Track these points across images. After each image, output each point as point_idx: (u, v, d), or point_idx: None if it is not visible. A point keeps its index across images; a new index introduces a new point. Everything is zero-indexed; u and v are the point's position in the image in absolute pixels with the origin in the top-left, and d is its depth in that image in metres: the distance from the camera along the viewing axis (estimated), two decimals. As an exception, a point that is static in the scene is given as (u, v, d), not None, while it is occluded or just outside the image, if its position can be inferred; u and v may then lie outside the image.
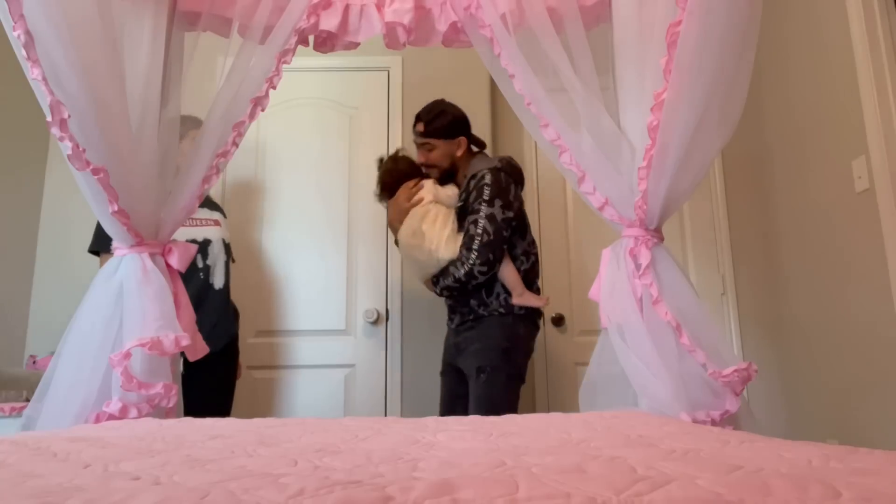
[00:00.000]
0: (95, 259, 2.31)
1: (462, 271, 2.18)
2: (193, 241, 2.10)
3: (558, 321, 3.09)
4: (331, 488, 0.58)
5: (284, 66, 1.87)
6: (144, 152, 1.68)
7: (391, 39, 1.95)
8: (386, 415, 2.84)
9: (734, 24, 1.47)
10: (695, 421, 1.48)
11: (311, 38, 1.97)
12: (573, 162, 1.76)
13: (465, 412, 2.16)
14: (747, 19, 1.50)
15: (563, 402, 2.99)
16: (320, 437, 1.05)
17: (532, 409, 2.98)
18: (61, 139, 1.46)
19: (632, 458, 0.76)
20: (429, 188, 2.34)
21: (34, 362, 2.62)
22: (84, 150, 1.50)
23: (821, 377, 2.56)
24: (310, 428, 1.18)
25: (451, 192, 2.34)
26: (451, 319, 2.40)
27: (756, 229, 3.05)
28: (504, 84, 1.86)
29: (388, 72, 3.21)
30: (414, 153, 2.49)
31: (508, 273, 2.22)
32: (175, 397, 1.63)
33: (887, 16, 2.26)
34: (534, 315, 2.30)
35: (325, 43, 1.98)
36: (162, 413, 1.62)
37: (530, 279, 2.30)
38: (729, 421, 1.55)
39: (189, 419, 1.47)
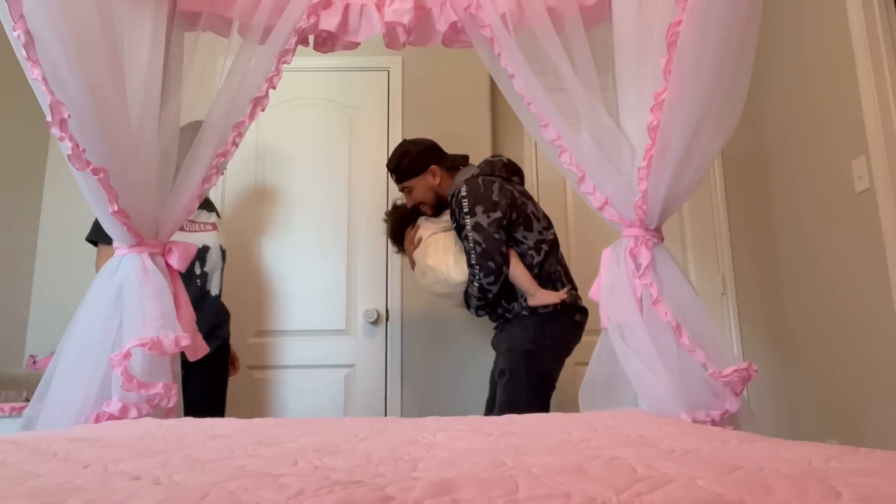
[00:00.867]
0: (95, 259, 2.31)
1: (475, 288, 2.21)
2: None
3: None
4: (331, 488, 0.58)
5: (284, 66, 1.87)
6: (144, 152, 1.68)
7: (391, 39, 1.95)
8: (386, 415, 2.83)
9: (734, 24, 1.47)
10: (695, 421, 1.48)
11: (311, 38, 1.97)
12: (573, 162, 1.76)
13: None
14: (747, 19, 1.50)
15: (563, 402, 2.99)
16: (320, 437, 1.05)
17: (532, 409, 2.98)
18: (61, 139, 1.46)
19: (632, 458, 0.76)
20: (424, 225, 2.42)
21: (34, 362, 2.62)
22: (84, 150, 1.50)
23: (821, 377, 2.56)
24: (310, 428, 1.18)
25: (445, 218, 2.39)
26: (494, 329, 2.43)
27: (756, 229, 3.05)
28: (504, 84, 1.86)
29: (388, 72, 3.21)
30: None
31: (517, 275, 2.21)
32: (175, 397, 1.63)
33: (887, 16, 2.26)
34: (568, 311, 2.24)
35: (325, 43, 1.98)
36: (162, 413, 1.62)
37: (550, 270, 2.26)
38: (729, 421, 1.56)
39: (189, 419, 1.47)
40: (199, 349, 1.79)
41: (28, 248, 2.96)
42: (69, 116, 1.44)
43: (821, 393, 2.56)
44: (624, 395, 1.66)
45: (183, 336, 1.63)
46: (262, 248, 3.02)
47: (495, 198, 2.21)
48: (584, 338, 3.03)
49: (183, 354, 1.90)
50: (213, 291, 2.35)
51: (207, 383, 2.28)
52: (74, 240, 2.96)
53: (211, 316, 2.28)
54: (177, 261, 1.76)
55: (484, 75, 3.08)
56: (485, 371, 2.91)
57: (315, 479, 0.62)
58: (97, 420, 1.53)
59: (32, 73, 1.40)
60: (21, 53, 1.39)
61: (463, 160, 2.47)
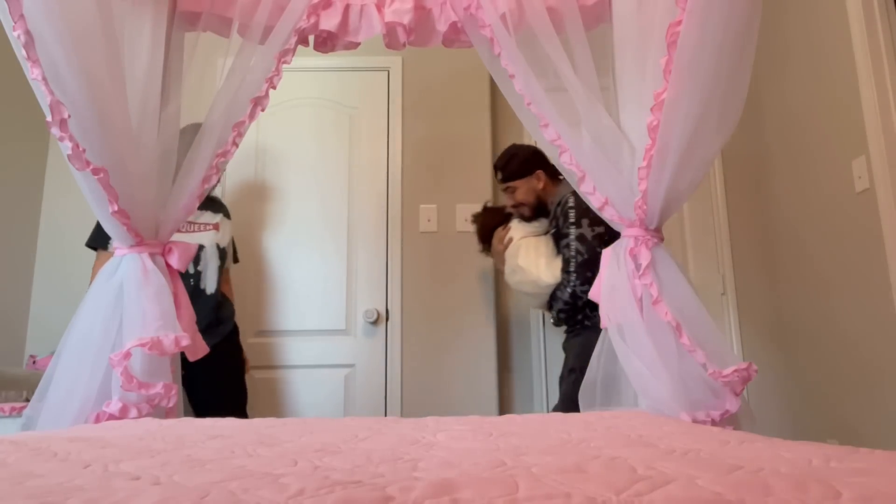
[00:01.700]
0: (95, 259, 2.31)
1: (567, 293, 2.24)
2: None
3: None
4: (331, 488, 0.58)
5: (284, 66, 1.87)
6: (144, 152, 1.68)
7: (391, 39, 1.95)
8: (386, 415, 2.83)
9: (734, 24, 1.47)
10: (695, 421, 1.48)
11: (311, 38, 1.97)
12: (573, 162, 1.76)
13: None
14: (747, 19, 1.50)
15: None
16: (320, 437, 1.05)
17: (532, 409, 2.98)
18: (61, 139, 1.46)
19: (632, 458, 0.76)
20: (516, 227, 2.52)
21: (34, 362, 2.62)
22: (84, 150, 1.50)
23: (821, 377, 2.56)
24: (310, 428, 1.18)
25: (537, 223, 2.49)
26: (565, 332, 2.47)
27: (756, 229, 3.05)
28: (504, 84, 1.86)
29: (388, 72, 3.21)
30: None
31: None
32: (175, 397, 1.63)
33: (887, 16, 2.26)
34: None
35: (325, 43, 1.98)
36: (162, 413, 1.61)
37: None
38: (729, 421, 1.55)
39: (189, 419, 1.47)
40: (199, 349, 1.79)
41: (28, 248, 2.96)
42: (69, 116, 1.44)
43: (821, 393, 2.56)
44: (624, 395, 1.66)
45: (183, 336, 1.62)
46: (262, 249, 3.02)
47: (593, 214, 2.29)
48: (584, 338, 3.04)
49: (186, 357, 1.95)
50: (209, 290, 2.35)
51: (214, 379, 2.30)
52: (74, 240, 2.96)
53: (206, 315, 2.26)
54: (177, 261, 1.76)
55: (484, 75, 3.08)
56: (485, 371, 2.92)
57: (315, 479, 0.62)
58: (97, 420, 1.53)
59: (32, 73, 1.40)
60: (21, 53, 1.39)
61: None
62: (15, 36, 1.36)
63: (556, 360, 3.06)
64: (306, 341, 2.94)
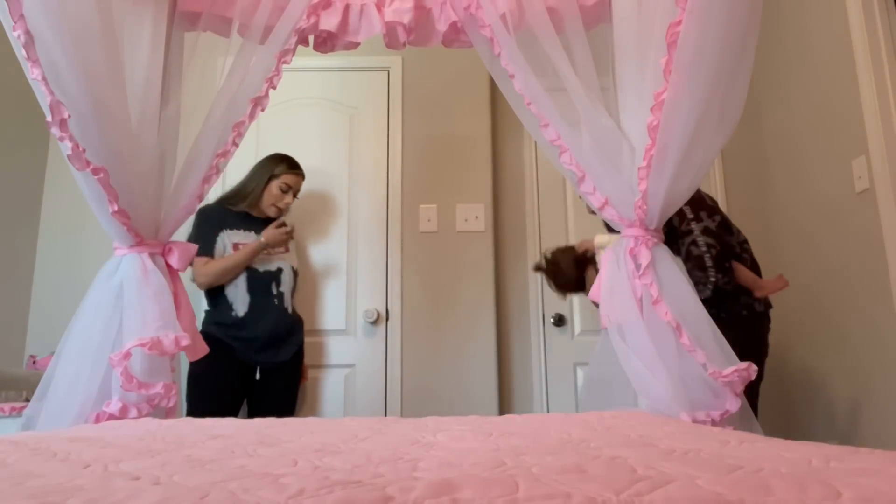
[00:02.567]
0: (95, 259, 2.31)
1: (708, 292, 2.10)
2: (267, 271, 2.48)
3: (558, 321, 3.09)
4: (331, 488, 0.58)
5: (284, 66, 1.87)
6: (144, 152, 1.68)
7: (391, 39, 1.95)
8: (386, 415, 2.83)
9: (734, 24, 1.47)
10: (695, 421, 1.48)
11: (311, 38, 1.97)
12: (573, 162, 1.76)
13: None
14: (747, 19, 1.50)
15: (563, 402, 2.99)
16: (320, 437, 1.05)
17: (532, 409, 2.98)
18: (61, 139, 1.46)
19: (632, 458, 0.76)
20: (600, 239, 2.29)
21: (34, 362, 2.62)
22: (84, 150, 1.50)
23: (821, 377, 2.56)
24: (310, 428, 1.18)
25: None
26: None
27: (756, 229, 3.04)
28: (504, 84, 1.86)
29: (388, 72, 3.21)
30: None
31: (741, 273, 2.20)
32: (175, 397, 1.63)
33: (887, 16, 2.26)
34: (768, 311, 2.28)
35: (325, 43, 1.98)
36: (162, 413, 1.61)
37: (756, 272, 2.28)
38: (729, 421, 1.55)
39: (189, 419, 1.47)
40: (199, 349, 1.79)
41: (28, 248, 2.96)
42: (69, 116, 1.44)
43: (821, 393, 2.56)
44: (624, 395, 1.66)
45: (183, 336, 1.62)
46: (262, 248, 3.02)
47: (710, 202, 2.28)
48: (585, 338, 3.04)
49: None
50: (289, 309, 2.59)
51: (284, 384, 2.57)
52: (74, 240, 2.96)
53: (288, 329, 2.56)
54: (177, 260, 1.76)
55: (484, 75, 3.08)
56: (485, 371, 2.92)
57: (315, 479, 0.62)
58: (97, 420, 1.53)
59: (32, 73, 1.40)
60: (21, 53, 1.39)
61: None
62: (15, 36, 1.36)
63: (557, 360, 3.07)
64: (307, 341, 2.93)
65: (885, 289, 2.18)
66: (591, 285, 2.28)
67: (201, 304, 2.81)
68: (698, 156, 1.60)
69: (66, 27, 1.40)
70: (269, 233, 2.43)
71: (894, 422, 2.17)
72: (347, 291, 2.99)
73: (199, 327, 2.50)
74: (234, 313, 2.43)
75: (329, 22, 1.91)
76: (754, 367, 1.57)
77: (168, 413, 1.63)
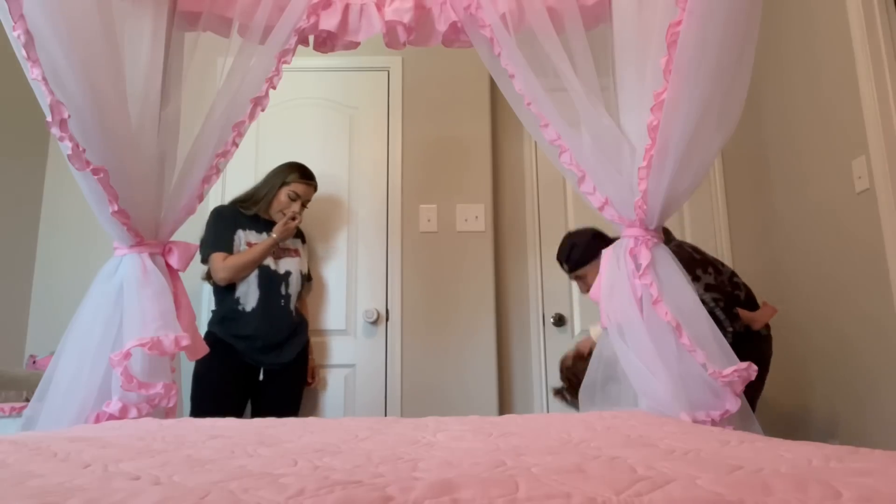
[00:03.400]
0: (95, 259, 2.31)
1: (729, 339, 2.04)
2: (276, 273, 2.54)
3: (558, 321, 3.09)
4: (331, 488, 0.58)
5: (284, 66, 1.87)
6: (144, 152, 1.68)
7: (391, 39, 1.95)
8: (386, 415, 2.83)
9: (734, 24, 1.47)
10: (695, 421, 1.48)
11: (311, 38, 1.97)
12: (573, 162, 1.76)
13: None
14: (747, 19, 1.50)
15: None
16: (320, 437, 1.05)
17: (532, 409, 2.98)
18: (61, 139, 1.46)
19: (632, 458, 0.76)
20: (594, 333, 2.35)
21: (34, 362, 2.62)
22: (84, 150, 1.50)
23: (821, 377, 2.56)
24: (310, 428, 1.18)
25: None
26: None
27: (756, 229, 3.05)
28: (504, 84, 1.86)
29: (388, 72, 3.21)
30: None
31: (741, 314, 2.23)
32: (175, 397, 1.63)
33: (887, 16, 2.26)
34: (770, 333, 2.31)
35: (325, 43, 1.98)
36: (162, 413, 1.62)
37: (752, 303, 2.31)
38: (729, 421, 1.55)
39: (189, 419, 1.47)
40: (199, 349, 1.79)
41: (28, 248, 2.97)
42: (69, 116, 1.44)
43: (821, 393, 2.56)
44: (624, 395, 1.66)
45: (183, 336, 1.62)
46: (262, 248, 3.02)
47: (699, 257, 2.27)
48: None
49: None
50: (294, 312, 2.62)
51: (289, 383, 2.61)
52: (74, 240, 2.96)
53: (293, 331, 2.60)
54: (177, 260, 1.76)
55: (484, 75, 3.08)
56: (485, 371, 2.91)
57: (315, 479, 0.62)
58: (97, 420, 1.53)
59: (32, 73, 1.40)
60: (21, 53, 1.39)
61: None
62: (15, 36, 1.36)
63: (556, 360, 3.06)
64: (306, 341, 2.94)
65: (885, 289, 2.18)
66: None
67: (201, 304, 2.81)
68: (698, 156, 1.60)
69: (66, 27, 1.40)
70: (279, 227, 2.49)
71: (895, 422, 2.17)
72: (347, 291, 2.99)
73: (205, 327, 2.53)
74: (241, 307, 2.47)
75: (329, 22, 1.91)
76: (754, 367, 1.57)
77: (168, 413, 1.63)
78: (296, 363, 2.61)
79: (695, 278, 2.17)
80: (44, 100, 1.42)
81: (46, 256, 2.99)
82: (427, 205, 3.07)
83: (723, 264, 2.38)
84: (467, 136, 3.15)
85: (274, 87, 1.86)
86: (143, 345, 1.55)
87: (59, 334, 1.65)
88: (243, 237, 2.54)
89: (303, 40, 1.93)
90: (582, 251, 2.41)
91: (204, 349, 1.80)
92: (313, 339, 2.90)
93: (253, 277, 2.50)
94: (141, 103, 1.69)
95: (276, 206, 2.59)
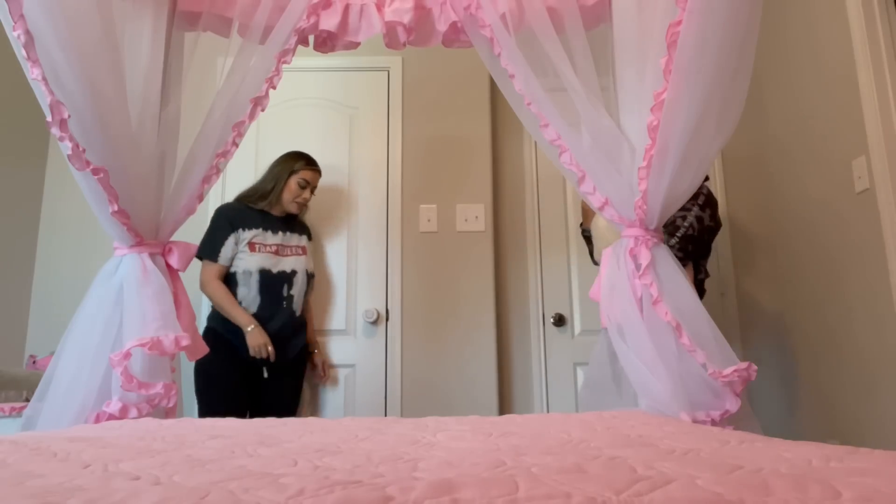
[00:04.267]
0: (95, 259, 2.31)
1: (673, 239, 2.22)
2: (281, 272, 2.53)
3: (558, 321, 3.09)
4: (331, 488, 0.58)
5: (284, 66, 1.87)
6: (144, 152, 1.68)
7: (391, 39, 1.95)
8: (386, 415, 2.83)
9: (734, 24, 1.47)
10: (695, 421, 1.48)
11: (311, 38, 1.97)
12: (573, 162, 1.76)
13: None
14: (747, 19, 1.50)
15: (563, 402, 2.99)
16: (320, 437, 1.05)
17: (532, 409, 2.98)
18: (61, 139, 1.46)
19: (632, 458, 0.76)
20: None
21: (34, 362, 2.62)
22: (84, 150, 1.50)
23: (821, 377, 2.56)
24: (310, 428, 1.18)
25: None
26: None
27: (756, 229, 3.05)
28: (504, 84, 1.86)
29: (388, 72, 3.21)
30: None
31: None
32: (175, 397, 1.63)
33: (887, 16, 2.26)
34: None
35: (325, 43, 1.98)
36: (162, 413, 1.62)
37: (700, 292, 2.36)
38: (729, 421, 1.55)
39: (189, 419, 1.47)
40: (199, 349, 1.79)
41: (28, 248, 2.96)
42: (69, 116, 1.44)
43: (821, 393, 2.56)
44: (624, 395, 1.66)
45: (183, 336, 1.62)
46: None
47: (719, 217, 2.41)
48: (585, 338, 3.04)
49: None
50: (297, 312, 2.62)
51: (289, 382, 2.61)
52: (74, 240, 2.96)
53: (294, 331, 2.60)
54: (177, 260, 1.76)
55: (484, 75, 3.08)
56: (485, 371, 2.92)
57: (315, 479, 0.62)
58: (97, 420, 1.53)
59: (32, 73, 1.40)
60: (21, 53, 1.39)
61: None
62: (15, 36, 1.36)
63: (557, 360, 3.07)
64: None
65: (885, 289, 2.18)
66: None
67: (201, 304, 2.81)
68: (698, 156, 1.60)
69: (66, 27, 1.40)
70: (253, 343, 2.42)
71: (894, 422, 2.17)
72: (347, 291, 2.99)
73: (205, 323, 2.53)
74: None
75: (329, 22, 1.91)
76: (754, 367, 1.57)
77: (168, 413, 1.63)
78: (297, 360, 2.63)
79: (701, 207, 2.27)
80: (44, 100, 1.42)
81: (46, 256, 2.99)
82: (427, 205, 3.07)
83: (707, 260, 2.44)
84: (467, 136, 3.15)
85: (274, 87, 1.86)
86: (143, 345, 1.55)
87: (59, 334, 1.65)
88: (244, 237, 2.52)
89: (303, 40, 1.93)
90: None
91: (204, 349, 1.80)
92: (317, 339, 2.90)
93: (254, 282, 2.49)
94: (141, 103, 1.69)
95: (288, 196, 2.60)
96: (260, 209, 2.60)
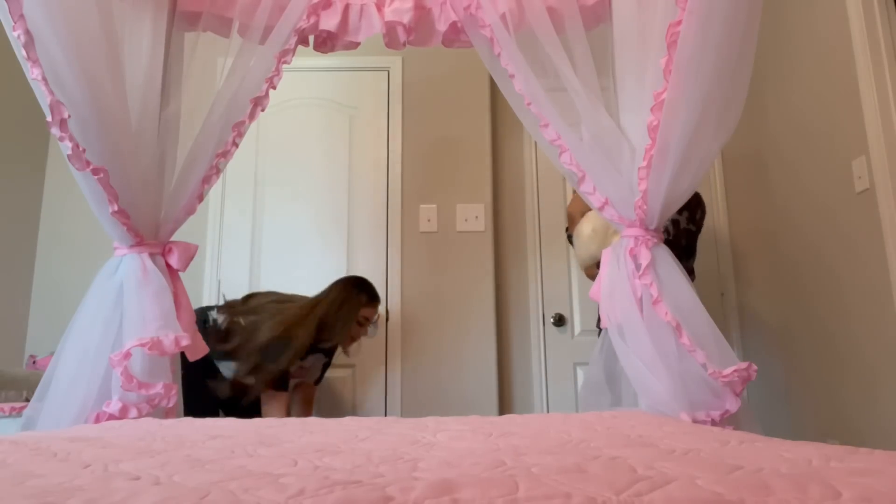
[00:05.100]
0: (95, 259, 2.30)
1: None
2: None
3: (558, 321, 3.09)
4: (331, 488, 0.58)
5: (284, 66, 1.87)
6: (144, 152, 1.68)
7: (391, 39, 1.95)
8: (386, 415, 2.83)
9: (734, 24, 1.47)
10: (695, 421, 1.48)
11: (311, 38, 1.97)
12: (573, 162, 1.76)
13: None
14: (747, 19, 1.50)
15: (563, 402, 2.99)
16: (320, 437, 1.05)
17: (532, 409, 2.98)
18: (61, 139, 1.46)
19: (632, 458, 0.76)
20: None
21: (34, 362, 2.62)
22: (84, 150, 1.50)
23: (821, 377, 2.56)
24: (310, 428, 1.18)
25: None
26: None
27: (756, 229, 3.05)
28: (504, 84, 1.86)
29: (388, 72, 3.21)
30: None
31: None
32: (175, 397, 1.63)
33: (887, 16, 2.26)
34: None
35: (325, 43, 1.98)
36: (162, 413, 1.61)
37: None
38: (729, 421, 1.55)
39: (189, 419, 1.47)
40: (199, 349, 1.79)
41: (28, 248, 2.97)
42: (69, 116, 1.44)
43: (821, 393, 2.56)
44: (624, 395, 1.66)
45: (183, 336, 1.62)
46: (263, 249, 3.02)
47: (698, 217, 2.41)
48: (585, 338, 3.04)
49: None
50: None
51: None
52: (74, 240, 2.96)
53: None
54: (177, 260, 1.76)
55: (484, 75, 3.08)
56: (485, 371, 2.92)
57: (315, 479, 0.62)
58: (97, 420, 1.53)
59: (32, 73, 1.40)
60: (21, 53, 1.39)
61: None
62: (15, 36, 1.36)
63: (557, 360, 3.07)
64: (306, 341, 2.93)
65: (885, 289, 2.18)
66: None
67: (201, 304, 2.81)
68: (698, 156, 1.60)
69: (66, 27, 1.40)
70: None
71: (894, 422, 2.17)
72: (347, 291, 2.98)
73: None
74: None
75: (329, 22, 1.91)
76: (754, 367, 1.57)
77: (168, 413, 1.63)
78: None
79: (678, 210, 2.17)
80: (44, 100, 1.42)
81: (46, 256, 2.99)
82: (427, 205, 3.07)
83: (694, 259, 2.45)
84: (467, 136, 3.15)
85: (274, 87, 1.86)
86: (143, 345, 1.55)
87: (59, 334, 1.65)
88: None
89: (303, 40, 1.93)
90: None
91: (204, 349, 1.80)
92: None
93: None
94: (141, 103, 1.69)
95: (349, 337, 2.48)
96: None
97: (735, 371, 1.53)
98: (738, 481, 0.59)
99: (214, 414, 2.27)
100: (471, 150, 3.14)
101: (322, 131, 3.15)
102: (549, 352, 3.06)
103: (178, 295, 1.75)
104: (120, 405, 1.54)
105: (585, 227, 2.29)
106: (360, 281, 2.53)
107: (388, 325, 2.96)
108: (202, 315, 2.32)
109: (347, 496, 0.55)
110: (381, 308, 2.96)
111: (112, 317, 1.61)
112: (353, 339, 2.50)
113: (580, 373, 3.02)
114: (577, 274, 3.14)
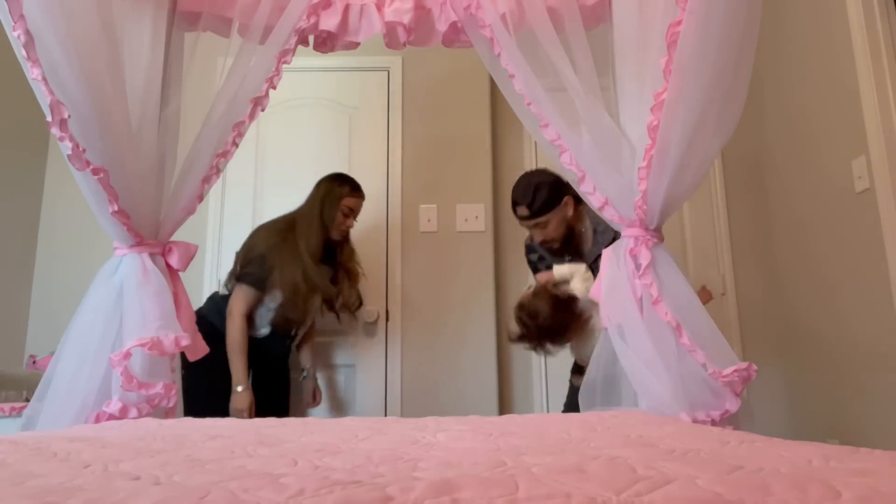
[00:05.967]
0: (95, 259, 2.30)
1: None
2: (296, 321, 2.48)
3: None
4: (331, 488, 0.58)
5: (284, 66, 1.87)
6: (144, 152, 1.68)
7: (391, 39, 1.95)
8: (386, 415, 2.83)
9: (734, 24, 1.47)
10: (695, 421, 1.48)
11: (311, 38, 1.97)
12: (573, 162, 1.76)
13: None
14: (747, 19, 1.50)
15: (563, 402, 2.99)
16: (320, 437, 1.05)
17: (532, 409, 2.98)
18: (61, 139, 1.46)
19: (632, 458, 0.76)
20: (558, 270, 2.15)
21: (34, 362, 2.62)
22: (84, 150, 1.50)
23: (821, 377, 2.56)
24: (310, 428, 1.18)
25: (571, 264, 2.15)
26: None
27: (756, 229, 3.05)
28: (504, 84, 1.86)
29: (388, 72, 3.21)
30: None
31: None
32: (175, 397, 1.63)
33: (887, 16, 2.26)
34: None
35: (325, 43, 1.98)
36: (162, 413, 1.62)
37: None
38: (729, 421, 1.55)
39: (189, 419, 1.47)
40: (199, 349, 1.79)
41: (28, 248, 2.96)
42: (69, 116, 1.44)
43: (821, 393, 2.56)
44: (624, 395, 1.66)
45: (183, 336, 1.62)
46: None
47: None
48: (584, 338, 3.04)
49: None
50: (296, 341, 2.61)
51: (277, 385, 2.58)
52: (74, 240, 2.96)
53: (284, 356, 2.59)
54: (177, 260, 1.76)
55: (484, 75, 3.08)
56: (485, 371, 2.91)
57: (315, 479, 0.62)
58: (97, 420, 1.53)
59: (32, 73, 1.40)
60: (21, 53, 1.39)
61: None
62: (15, 36, 1.36)
63: (557, 360, 3.06)
64: (306, 341, 2.93)
65: (885, 289, 2.18)
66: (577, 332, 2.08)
67: (201, 304, 2.81)
68: (698, 156, 1.60)
69: (67, 27, 1.40)
70: (236, 406, 2.27)
71: (894, 422, 2.17)
72: (347, 291, 2.98)
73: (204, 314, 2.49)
74: (250, 331, 2.39)
75: (329, 22, 1.91)
76: (754, 367, 1.57)
77: (168, 413, 1.63)
78: (284, 358, 2.61)
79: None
80: (44, 100, 1.42)
81: (46, 256, 2.99)
82: (427, 205, 3.07)
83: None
84: (467, 136, 3.15)
85: (274, 87, 1.86)
86: (143, 345, 1.55)
87: (59, 334, 1.65)
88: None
89: (303, 40, 1.93)
90: (549, 194, 2.14)
91: (204, 349, 1.80)
92: (316, 340, 2.90)
93: (270, 314, 2.40)
94: (141, 103, 1.69)
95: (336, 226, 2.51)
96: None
97: (735, 371, 1.53)
98: (738, 481, 0.59)
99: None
100: (471, 150, 3.14)
101: (322, 131, 3.15)
102: (549, 352, 3.05)
103: (178, 295, 1.75)
104: (120, 405, 1.54)
105: (574, 285, 2.07)
106: (340, 175, 2.60)
107: (388, 325, 2.96)
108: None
109: (347, 496, 0.55)
110: (381, 308, 2.96)
111: (112, 317, 1.61)
112: (342, 232, 2.55)
113: (580, 373, 3.02)
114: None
